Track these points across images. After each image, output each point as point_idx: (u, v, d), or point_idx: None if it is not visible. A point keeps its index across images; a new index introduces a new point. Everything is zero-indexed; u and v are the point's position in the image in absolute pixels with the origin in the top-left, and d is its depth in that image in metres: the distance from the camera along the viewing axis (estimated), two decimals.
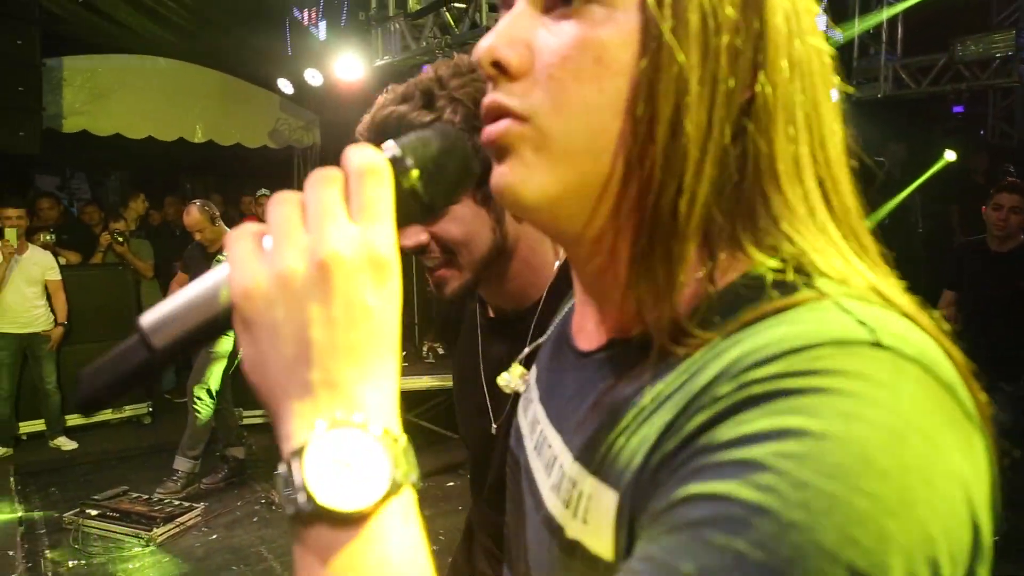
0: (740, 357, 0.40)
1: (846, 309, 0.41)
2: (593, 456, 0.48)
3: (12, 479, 4.73)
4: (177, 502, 4.15)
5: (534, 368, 0.68)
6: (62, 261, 5.61)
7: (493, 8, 4.66)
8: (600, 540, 0.46)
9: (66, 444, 5.28)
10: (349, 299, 0.40)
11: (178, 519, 3.95)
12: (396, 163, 0.45)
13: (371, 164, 0.43)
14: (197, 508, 4.06)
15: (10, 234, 4.96)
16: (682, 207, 0.46)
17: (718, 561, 0.35)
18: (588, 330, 0.57)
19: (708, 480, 0.37)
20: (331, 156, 8.71)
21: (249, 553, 3.70)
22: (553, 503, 0.52)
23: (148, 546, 3.73)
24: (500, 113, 0.50)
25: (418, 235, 0.96)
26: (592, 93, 0.46)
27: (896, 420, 0.36)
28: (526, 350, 0.87)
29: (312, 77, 6.35)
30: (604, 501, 0.46)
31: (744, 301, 0.44)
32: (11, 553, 3.73)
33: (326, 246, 0.41)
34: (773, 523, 0.34)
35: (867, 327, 0.39)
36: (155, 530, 3.79)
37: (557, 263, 1.03)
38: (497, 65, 0.49)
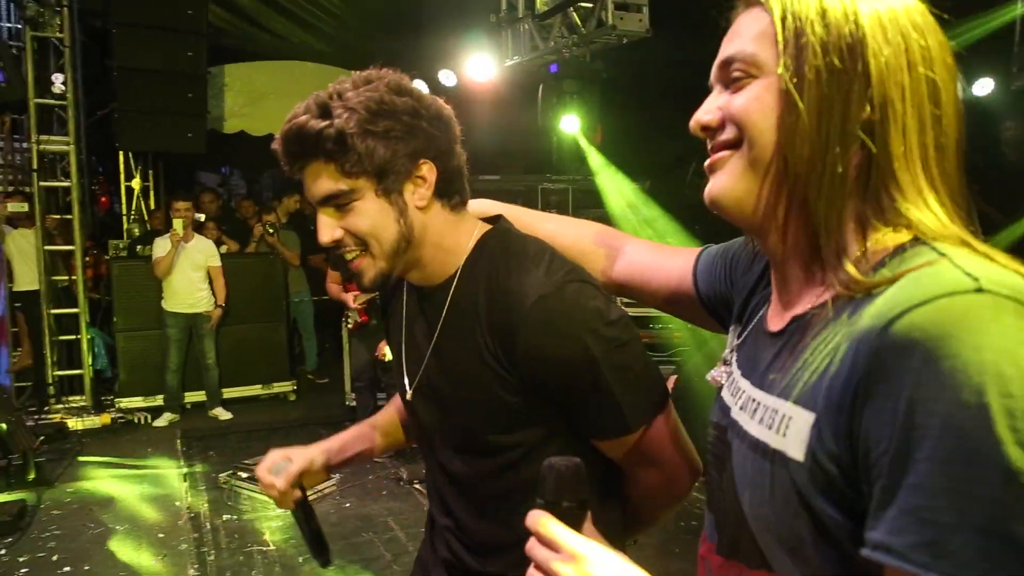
0: (885, 311, 0.57)
1: (957, 265, 0.57)
2: (791, 391, 0.66)
3: (179, 441, 5.33)
4: None
5: (734, 356, 0.86)
6: (223, 250, 6.22)
7: (619, 7, 4.72)
8: (796, 446, 0.63)
9: (223, 414, 5.87)
10: None
11: (315, 487, 4.31)
12: None
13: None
14: (333, 478, 4.43)
15: (177, 224, 5.56)
16: (822, 205, 0.67)
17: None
18: (776, 317, 0.78)
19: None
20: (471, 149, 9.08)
21: (378, 522, 4.00)
22: (757, 430, 0.71)
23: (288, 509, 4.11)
24: (715, 148, 0.74)
25: (333, 231, 1.06)
26: (759, 128, 0.69)
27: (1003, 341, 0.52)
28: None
29: (446, 78, 6.64)
30: (801, 418, 0.64)
31: (882, 267, 0.63)
32: (177, 503, 4.24)
33: None
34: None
35: (972, 277, 0.55)
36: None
37: (472, 243, 1.13)
38: (704, 128, 0.75)
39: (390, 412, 1.46)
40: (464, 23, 6.22)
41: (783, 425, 0.66)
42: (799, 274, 0.73)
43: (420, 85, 5.06)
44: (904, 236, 0.64)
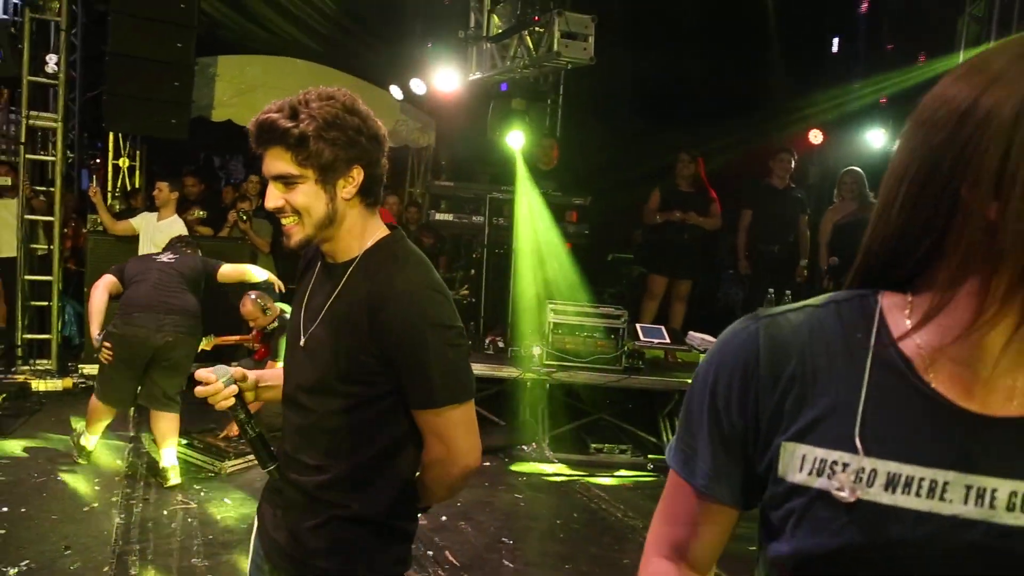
0: None
1: None
2: None
3: (132, 409, 5.69)
4: None
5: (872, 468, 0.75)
6: (198, 232, 6.57)
7: (565, 35, 5.09)
8: None
9: None
10: None
11: (248, 456, 4.68)
12: None
13: None
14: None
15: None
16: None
17: None
18: (1014, 396, 0.73)
19: None
20: (442, 156, 9.44)
21: None
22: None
23: (218, 474, 4.48)
24: None
25: (277, 200, 1.44)
26: None
27: None
28: None
29: (417, 86, 7.03)
30: None
31: None
32: (119, 463, 4.60)
33: None
34: None
35: None
36: (226, 462, 4.55)
37: (373, 240, 1.50)
38: None
39: None
40: (437, 37, 6.62)
41: None
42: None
43: (395, 91, 5.50)
44: None
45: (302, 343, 1.52)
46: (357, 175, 1.44)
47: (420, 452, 1.53)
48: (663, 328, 5.86)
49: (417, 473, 1.56)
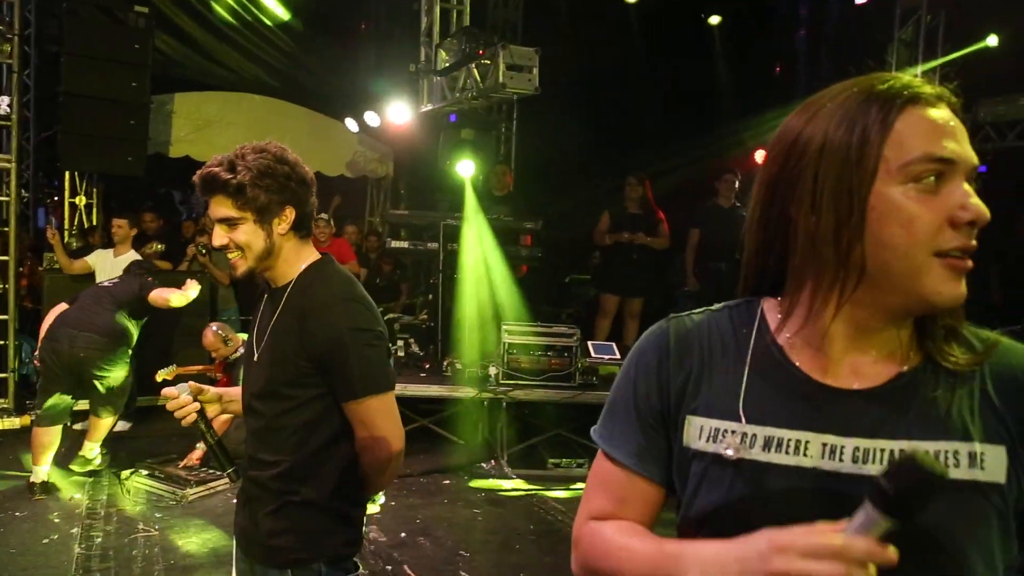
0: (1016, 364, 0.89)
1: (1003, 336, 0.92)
2: (962, 431, 0.86)
3: None
4: (213, 471, 4.95)
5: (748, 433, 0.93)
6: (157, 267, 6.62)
7: (511, 67, 5.32)
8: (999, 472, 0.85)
9: (122, 425, 6.10)
10: None
11: (210, 484, 4.75)
12: None
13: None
14: (223, 476, 4.85)
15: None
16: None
17: None
18: (852, 377, 0.91)
19: None
20: (401, 185, 9.62)
21: None
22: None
23: (180, 502, 4.54)
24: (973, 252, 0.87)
25: (223, 239, 1.71)
26: None
27: None
28: None
29: (371, 119, 7.22)
30: (995, 452, 0.85)
31: (966, 339, 0.92)
32: (78, 496, 4.63)
33: None
34: None
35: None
36: (188, 490, 4.61)
37: (305, 264, 1.77)
38: (973, 223, 0.85)
39: None
40: (390, 71, 6.84)
41: (976, 460, 0.84)
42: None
43: (350, 124, 5.72)
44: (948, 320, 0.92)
45: (255, 358, 1.78)
46: (289, 214, 1.71)
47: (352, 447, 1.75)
48: (613, 345, 6.06)
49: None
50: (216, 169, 1.66)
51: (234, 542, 1.91)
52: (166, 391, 1.78)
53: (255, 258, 1.71)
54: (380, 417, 1.70)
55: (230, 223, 1.68)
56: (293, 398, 1.69)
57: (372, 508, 4.58)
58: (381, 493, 1.92)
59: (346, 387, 1.67)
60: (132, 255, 6.16)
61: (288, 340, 1.69)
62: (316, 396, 1.69)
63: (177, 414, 1.78)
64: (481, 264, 6.05)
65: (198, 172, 1.71)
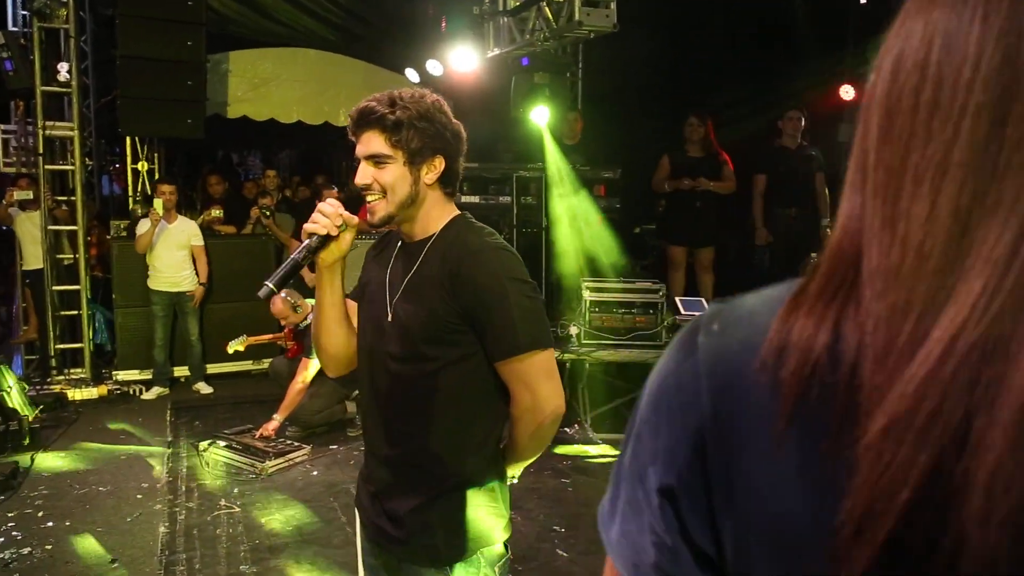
0: None
1: None
2: None
3: (169, 412, 5.66)
4: (290, 442, 4.82)
5: None
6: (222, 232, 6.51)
7: (587, 3, 4.88)
8: None
9: (204, 388, 6.17)
10: None
11: (288, 455, 4.61)
12: None
13: None
14: (304, 449, 4.71)
15: (157, 204, 5.82)
16: None
17: None
18: None
19: None
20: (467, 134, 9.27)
21: (341, 489, 4.27)
22: None
23: (259, 476, 4.41)
24: None
25: (367, 177, 1.58)
26: None
27: None
28: None
29: (433, 67, 6.84)
30: None
31: None
32: (159, 468, 4.55)
33: None
34: None
35: None
36: (267, 463, 4.47)
37: (447, 220, 1.63)
38: None
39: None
40: (452, 15, 6.42)
41: None
42: None
43: (411, 74, 5.33)
44: None
45: (389, 317, 1.62)
46: (439, 164, 1.60)
47: (506, 409, 1.61)
48: (703, 300, 5.67)
49: (503, 441, 1.65)
50: (375, 103, 1.57)
51: (358, 539, 1.76)
52: (323, 206, 1.59)
53: (397, 204, 1.58)
54: (544, 376, 1.57)
55: (379, 161, 1.57)
56: (436, 359, 1.56)
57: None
58: (520, 466, 1.74)
59: (508, 341, 1.53)
60: (182, 220, 6.03)
61: (433, 293, 1.56)
62: (463, 356, 1.56)
63: (316, 218, 1.58)
64: (567, 216, 5.67)
65: (354, 107, 1.60)
